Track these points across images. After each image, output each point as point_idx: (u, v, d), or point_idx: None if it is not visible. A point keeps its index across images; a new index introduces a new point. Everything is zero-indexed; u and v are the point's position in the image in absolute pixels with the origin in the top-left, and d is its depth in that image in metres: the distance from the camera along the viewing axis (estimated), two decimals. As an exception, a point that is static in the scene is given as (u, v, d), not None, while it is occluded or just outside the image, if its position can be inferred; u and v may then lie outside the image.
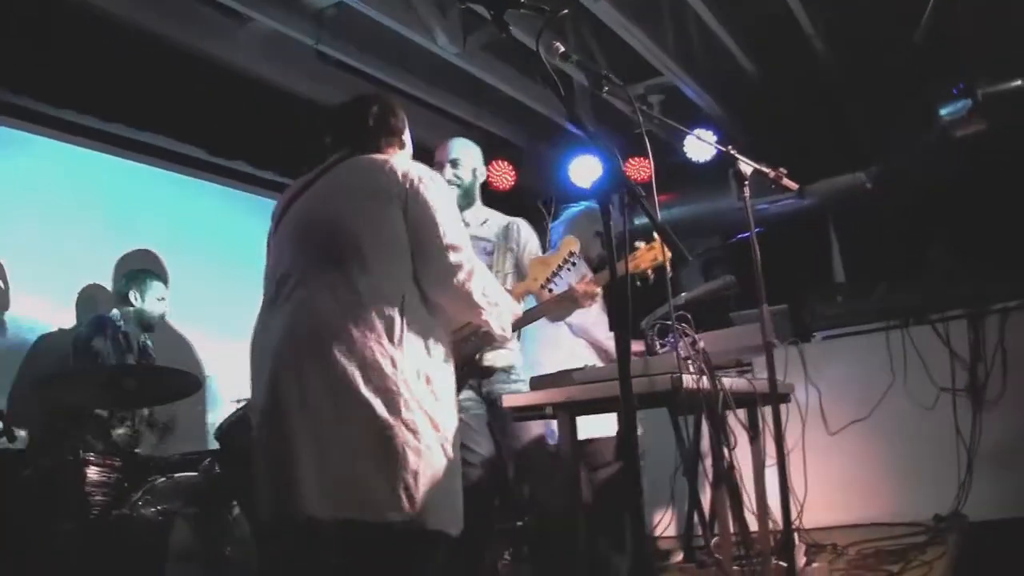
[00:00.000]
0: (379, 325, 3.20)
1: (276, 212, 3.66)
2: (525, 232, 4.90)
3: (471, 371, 3.93)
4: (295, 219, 3.50)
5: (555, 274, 4.12)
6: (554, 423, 4.16)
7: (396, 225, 3.31)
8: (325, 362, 3.15)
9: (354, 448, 3.13)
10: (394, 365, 3.18)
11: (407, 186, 3.33)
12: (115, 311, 5.90)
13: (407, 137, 3.73)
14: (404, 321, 3.23)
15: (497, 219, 4.94)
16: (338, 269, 3.27)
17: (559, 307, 4.26)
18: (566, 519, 4.41)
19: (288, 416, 3.19)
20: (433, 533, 3.24)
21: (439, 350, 3.40)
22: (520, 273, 4.76)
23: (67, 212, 6.39)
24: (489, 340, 4.05)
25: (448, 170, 4.76)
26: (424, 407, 3.23)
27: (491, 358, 4.49)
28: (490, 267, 4.66)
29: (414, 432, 3.18)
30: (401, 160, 3.49)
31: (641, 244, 4.03)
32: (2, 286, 5.97)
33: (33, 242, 6.16)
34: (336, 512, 3.14)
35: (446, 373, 3.42)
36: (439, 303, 3.42)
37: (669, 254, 3.93)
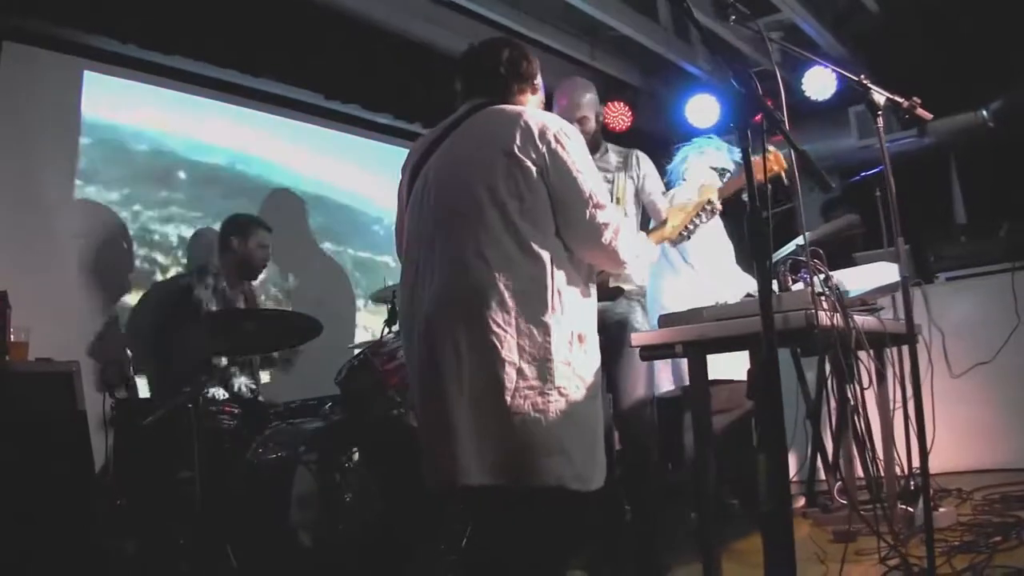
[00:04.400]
0: (531, 291, 3.17)
1: (408, 166, 3.62)
2: (644, 161, 4.95)
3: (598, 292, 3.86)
4: (433, 178, 3.44)
5: (692, 222, 4.05)
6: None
7: (536, 186, 3.25)
8: (480, 331, 3.14)
9: (511, 417, 3.12)
10: (547, 333, 3.16)
11: (544, 148, 3.26)
12: (215, 260, 5.90)
13: (539, 81, 3.64)
14: (554, 284, 3.21)
15: (615, 150, 4.99)
16: (483, 231, 3.22)
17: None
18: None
19: (445, 385, 3.19)
20: (585, 492, 3.24)
21: (588, 303, 3.38)
22: (638, 201, 4.86)
23: (181, 161, 6.49)
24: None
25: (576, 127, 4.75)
26: (578, 371, 3.23)
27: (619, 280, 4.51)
28: (610, 194, 4.66)
29: (567, 397, 3.17)
30: (535, 114, 3.40)
31: (772, 148, 3.93)
32: (122, 241, 6.05)
33: (149, 192, 6.27)
34: (495, 479, 3.14)
35: (594, 325, 3.40)
36: (584, 258, 3.39)
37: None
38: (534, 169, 3.23)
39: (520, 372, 3.13)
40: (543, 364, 3.15)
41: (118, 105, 6.19)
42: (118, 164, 6.11)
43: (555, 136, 3.28)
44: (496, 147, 3.28)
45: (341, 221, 7.48)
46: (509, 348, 3.13)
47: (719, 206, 4.04)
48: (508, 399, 3.11)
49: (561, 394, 3.16)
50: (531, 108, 3.50)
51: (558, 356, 3.17)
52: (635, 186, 4.84)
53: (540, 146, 3.25)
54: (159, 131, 6.36)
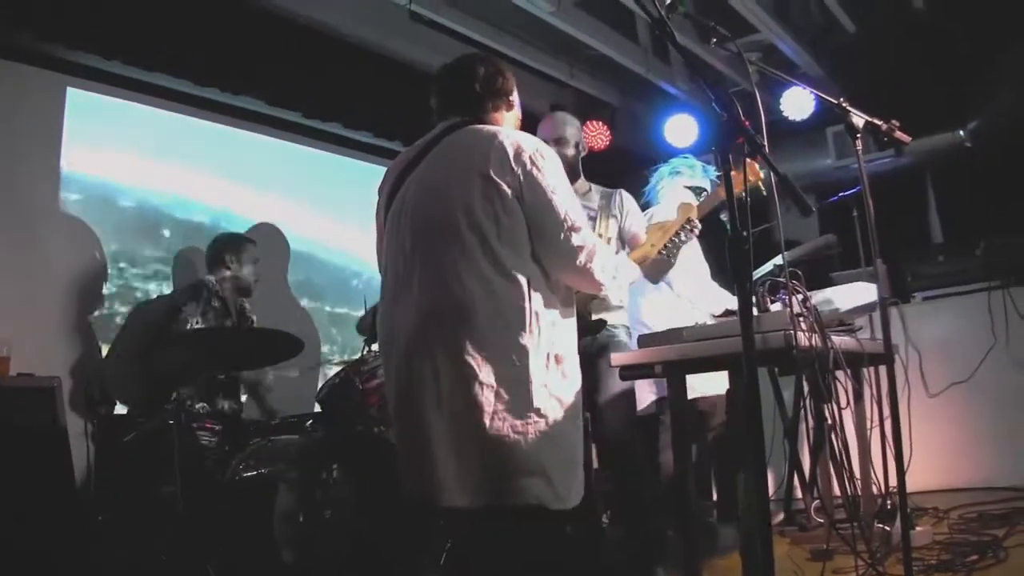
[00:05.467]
0: (508, 314, 3.18)
1: (385, 187, 3.61)
2: (627, 201, 4.96)
3: (581, 326, 3.87)
4: (411, 200, 3.43)
5: (672, 241, 4.07)
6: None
7: (512, 208, 3.25)
8: (457, 354, 3.15)
9: (490, 440, 3.12)
10: (525, 356, 3.17)
11: (519, 170, 3.26)
12: (210, 276, 5.85)
13: (515, 98, 3.64)
14: (531, 307, 3.21)
15: (599, 190, 5.01)
16: (461, 254, 3.22)
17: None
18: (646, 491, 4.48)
19: (424, 408, 3.20)
20: (564, 511, 3.25)
21: (566, 325, 3.38)
22: (622, 239, 4.84)
23: (161, 178, 6.49)
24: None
25: (553, 148, 4.77)
26: (555, 392, 3.23)
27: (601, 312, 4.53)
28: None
29: (546, 419, 3.18)
30: (510, 135, 3.39)
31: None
32: (98, 256, 6.04)
33: (129, 209, 6.28)
34: (474, 500, 3.15)
35: (573, 347, 3.41)
36: (560, 280, 3.38)
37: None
38: (510, 192, 3.24)
39: (498, 395, 3.13)
40: (521, 386, 3.15)
41: (101, 123, 6.22)
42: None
43: (530, 157, 3.29)
44: (472, 169, 3.28)
45: (321, 236, 7.52)
46: (487, 371, 3.13)
47: (699, 225, 4.07)
48: (487, 422, 3.12)
49: (540, 416, 3.17)
50: (507, 128, 3.50)
51: (536, 378, 3.18)
52: (618, 224, 4.86)
53: (515, 168, 3.26)
54: (134, 149, 6.39)
